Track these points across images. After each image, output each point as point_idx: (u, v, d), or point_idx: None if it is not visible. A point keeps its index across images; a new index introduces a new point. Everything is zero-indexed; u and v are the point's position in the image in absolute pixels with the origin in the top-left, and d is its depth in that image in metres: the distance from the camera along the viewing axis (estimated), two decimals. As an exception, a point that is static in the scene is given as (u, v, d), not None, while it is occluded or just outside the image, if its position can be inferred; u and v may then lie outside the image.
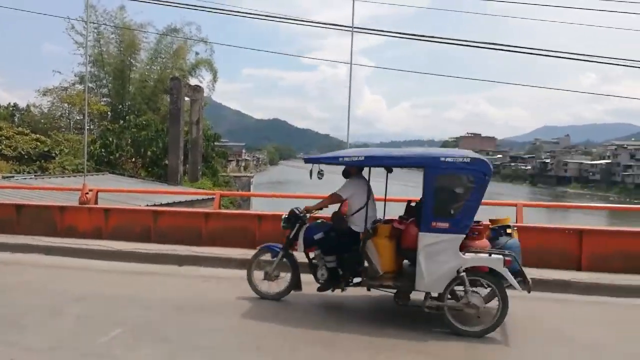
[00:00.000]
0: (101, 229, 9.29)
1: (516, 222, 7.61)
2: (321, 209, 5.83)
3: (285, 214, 5.90)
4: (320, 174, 5.50)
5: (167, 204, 13.96)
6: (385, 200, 6.46)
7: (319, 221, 5.93)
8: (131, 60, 30.82)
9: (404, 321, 5.29)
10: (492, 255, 4.92)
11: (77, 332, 4.86)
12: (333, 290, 5.69)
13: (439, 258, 4.91)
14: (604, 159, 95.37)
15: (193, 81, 30.53)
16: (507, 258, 4.86)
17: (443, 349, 4.59)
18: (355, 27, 8.95)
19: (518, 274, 5.02)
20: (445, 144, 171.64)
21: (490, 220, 5.67)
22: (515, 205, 7.78)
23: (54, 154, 26.11)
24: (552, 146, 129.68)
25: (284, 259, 5.91)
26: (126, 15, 30.64)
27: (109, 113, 30.37)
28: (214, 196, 9.34)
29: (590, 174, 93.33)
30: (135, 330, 4.90)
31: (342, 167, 5.81)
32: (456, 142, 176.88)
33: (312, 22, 10.12)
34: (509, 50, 13.01)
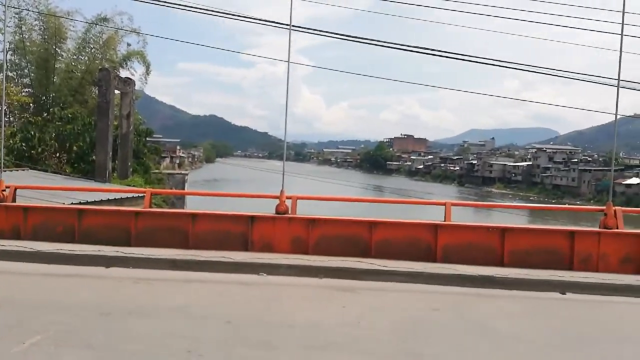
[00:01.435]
0: (19, 228, 8.64)
1: (445, 220, 7.96)
2: None
3: None
4: None
5: (94, 202, 13.26)
6: None
7: None
8: (56, 49, 28.90)
9: None
10: None
11: (-11, 340, 4.50)
12: None
13: None
14: (525, 161, 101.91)
15: (124, 73, 29.17)
16: None
17: None
18: (293, 26, 8.95)
19: None
20: (380, 145, 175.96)
21: None
22: (444, 204, 8.13)
23: (-35, 147, 23.95)
24: (479, 148, 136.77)
25: None
26: (51, 2, 28.70)
27: (31, 105, 28.32)
28: (144, 194, 8.98)
29: (513, 175, 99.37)
30: (56, 337, 4.61)
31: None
32: (390, 143, 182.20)
33: (250, 18, 10.07)
34: (439, 55, 13.58)
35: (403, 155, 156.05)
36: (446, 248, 7.85)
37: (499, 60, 13.70)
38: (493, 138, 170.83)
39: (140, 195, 14.77)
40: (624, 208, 8.10)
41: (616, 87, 8.22)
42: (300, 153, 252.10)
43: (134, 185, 22.21)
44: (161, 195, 23.47)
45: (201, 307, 5.70)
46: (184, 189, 29.90)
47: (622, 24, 8.19)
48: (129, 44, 31.07)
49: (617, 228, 7.75)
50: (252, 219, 8.29)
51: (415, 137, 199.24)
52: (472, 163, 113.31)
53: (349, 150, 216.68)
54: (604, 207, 7.95)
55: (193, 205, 24.48)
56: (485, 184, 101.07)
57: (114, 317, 5.24)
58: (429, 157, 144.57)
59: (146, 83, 32.45)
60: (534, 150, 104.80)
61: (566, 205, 45.44)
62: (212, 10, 10.23)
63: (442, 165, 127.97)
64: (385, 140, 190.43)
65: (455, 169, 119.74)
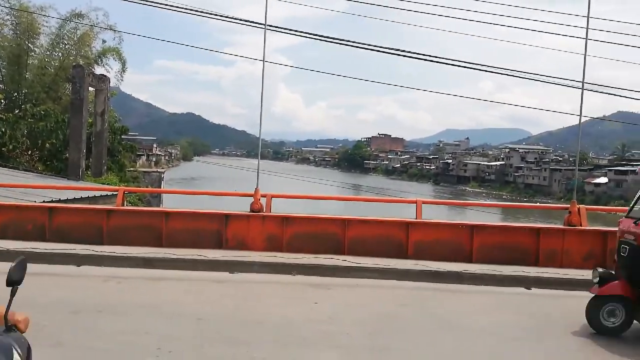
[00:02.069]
0: (-13, 227, 8.49)
1: (416, 218, 8.13)
2: None
3: None
4: None
5: (67, 201, 13.03)
6: None
7: None
8: (29, 44, 28.27)
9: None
10: None
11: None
12: None
13: None
14: (498, 160, 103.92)
15: (99, 70, 28.66)
16: None
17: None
18: (268, 25, 9.00)
19: None
20: (358, 144, 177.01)
21: None
22: (416, 202, 8.30)
23: None
24: (454, 148, 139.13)
25: None
26: (24, -4, 28.02)
27: (2, 101, 27.63)
28: (117, 192, 8.91)
29: (487, 174, 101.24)
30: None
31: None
32: (368, 143, 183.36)
33: (226, 17, 10.03)
34: (415, 57, 13.77)
35: (380, 155, 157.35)
36: (417, 245, 8.03)
37: (473, 63, 14.00)
38: (468, 138, 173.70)
39: (114, 193, 14.64)
40: (587, 206, 8.42)
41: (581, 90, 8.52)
42: (278, 152, 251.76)
43: (108, 184, 21.86)
44: (137, 193, 23.18)
45: (173, 305, 5.71)
46: (160, 187, 29.57)
47: (587, 28, 8.50)
48: (104, 41, 30.56)
49: (581, 225, 8.05)
50: (227, 217, 8.32)
51: (392, 136, 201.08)
52: (447, 162, 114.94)
53: (328, 149, 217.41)
54: (568, 205, 8.24)
55: (170, 203, 24.25)
56: (460, 182, 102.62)
57: (84, 315, 5.22)
58: (406, 156, 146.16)
59: (122, 80, 31.98)
60: (507, 150, 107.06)
61: (532, 204, 46.71)
62: (188, 9, 10.20)
63: (419, 164, 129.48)
64: (363, 140, 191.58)
65: (431, 168, 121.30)
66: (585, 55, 8.45)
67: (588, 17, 8.36)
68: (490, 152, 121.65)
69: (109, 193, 15.38)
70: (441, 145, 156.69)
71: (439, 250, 7.90)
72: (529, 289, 7.15)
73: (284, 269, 7.45)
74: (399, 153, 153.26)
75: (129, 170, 29.44)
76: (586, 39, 8.50)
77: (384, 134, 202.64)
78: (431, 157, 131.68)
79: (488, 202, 47.71)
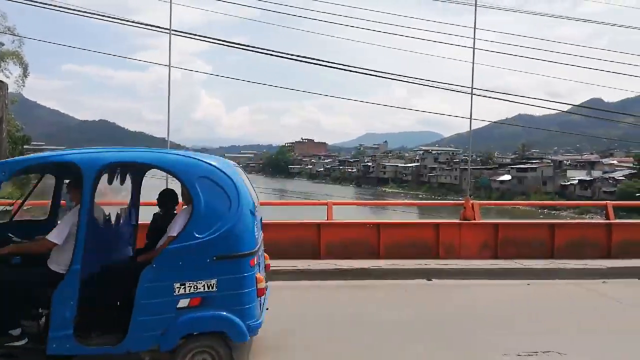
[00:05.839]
0: None
1: (327, 219, 8.48)
2: None
3: None
4: None
5: (-42, 218, 11.98)
6: None
7: None
8: None
9: None
10: None
11: None
12: None
13: None
14: (414, 162, 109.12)
15: (-3, 76, 26.63)
16: None
17: None
18: (173, 30, 8.96)
19: None
20: (281, 149, 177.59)
21: None
22: (327, 204, 8.66)
23: None
24: (374, 151, 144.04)
25: None
26: None
27: None
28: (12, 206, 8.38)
29: (404, 175, 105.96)
30: None
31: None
32: (292, 147, 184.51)
33: (129, 21, 9.82)
34: (329, 66, 14.27)
35: (304, 159, 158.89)
36: (329, 245, 8.37)
37: (386, 72, 14.75)
38: (386, 141, 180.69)
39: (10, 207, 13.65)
40: (480, 202, 9.27)
41: (470, 95, 9.37)
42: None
43: (8, 198, 20.31)
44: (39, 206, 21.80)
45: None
46: (69, 199, 27.90)
47: (474, 38, 9.36)
48: (2, 44, 28.51)
49: (474, 219, 8.83)
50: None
51: (315, 141, 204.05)
52: (367, 165, 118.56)
53: (252, 155, 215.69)
54: (463, 202, 9.00)
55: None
56: (380, 184, 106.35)
57: None
58: (329, 159, 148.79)
59: (24, 86, 30.02)
60: (421, 152, 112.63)
61: (432, 201, 49.85)
62: (89, 12, 9.83)
63: (341, 167, 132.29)
64: (286, 145, 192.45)
65: (353, 170, 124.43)
66: (473, 63, 9.31)
67: (475, 28, 9.23)
68: (407, 155, 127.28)
69: (7, 207, 14.31)
70: (362, 148, 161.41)
71: (350, 249, 8.30)
72: (430, 280, 7.73)
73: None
74: (322, 157, 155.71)
75: (33, 183, 27.63)
76: (474, 48, 9.37)
77: (308, 139, 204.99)
78: (353, 160, 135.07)
79: (393, 201, 50.18)
